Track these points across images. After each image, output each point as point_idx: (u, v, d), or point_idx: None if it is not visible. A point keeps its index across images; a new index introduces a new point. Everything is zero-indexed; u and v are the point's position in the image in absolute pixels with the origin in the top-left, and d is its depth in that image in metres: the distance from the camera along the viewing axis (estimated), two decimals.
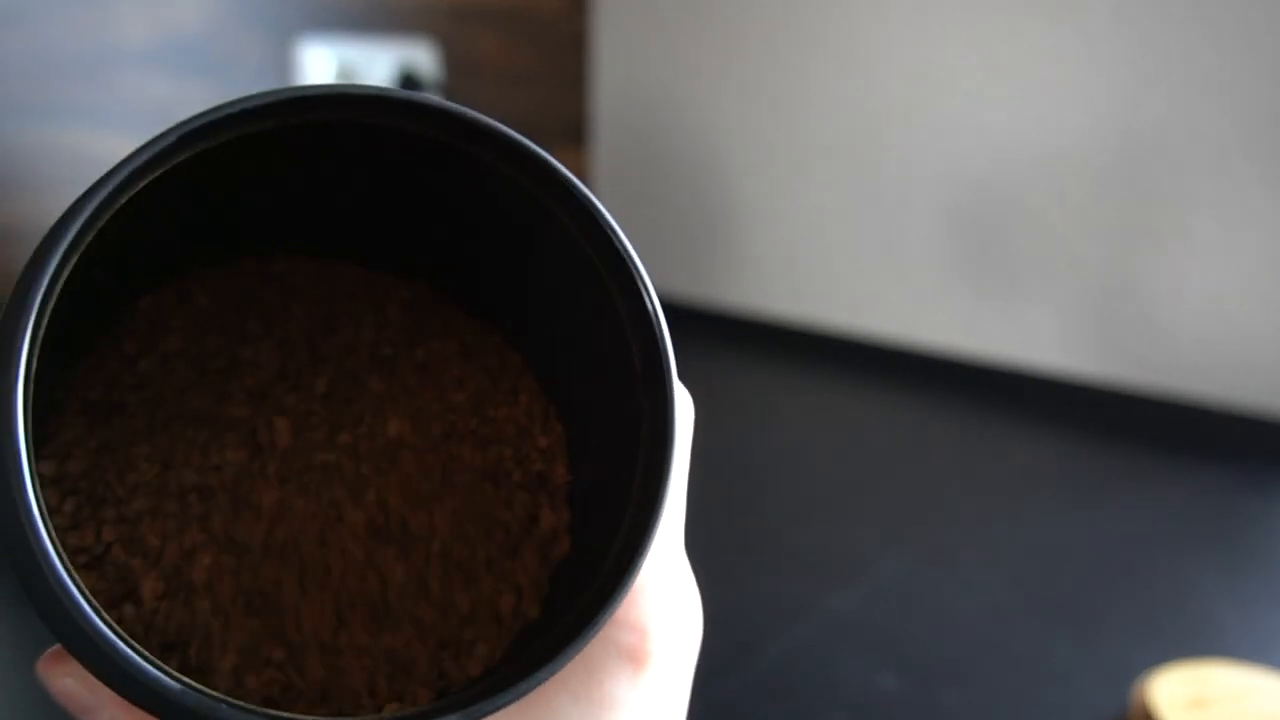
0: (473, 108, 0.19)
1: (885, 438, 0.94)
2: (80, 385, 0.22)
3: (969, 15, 1.04)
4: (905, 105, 1.10)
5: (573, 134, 1.35)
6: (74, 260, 0.16)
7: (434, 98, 0.18)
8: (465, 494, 0.22)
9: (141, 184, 0.16)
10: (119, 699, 0.18)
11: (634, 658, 0.20)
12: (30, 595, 0.15)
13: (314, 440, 0.22)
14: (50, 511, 0.19)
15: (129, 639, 0.15)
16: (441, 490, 0.22)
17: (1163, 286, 0.97)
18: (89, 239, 0.16)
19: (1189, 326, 0.97)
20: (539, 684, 0.17)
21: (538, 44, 1.26)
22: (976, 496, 0.80)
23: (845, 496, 0.80)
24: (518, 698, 0.17)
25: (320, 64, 1.04)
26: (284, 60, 1.01)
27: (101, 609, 0.15)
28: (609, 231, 0.19)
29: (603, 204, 0.20)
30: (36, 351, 0.15)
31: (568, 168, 0.19)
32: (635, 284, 0.19)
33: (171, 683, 0.15)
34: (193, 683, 0.15)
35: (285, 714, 0.16)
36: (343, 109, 0.18)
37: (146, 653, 0.15)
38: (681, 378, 0.21)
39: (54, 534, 0.15)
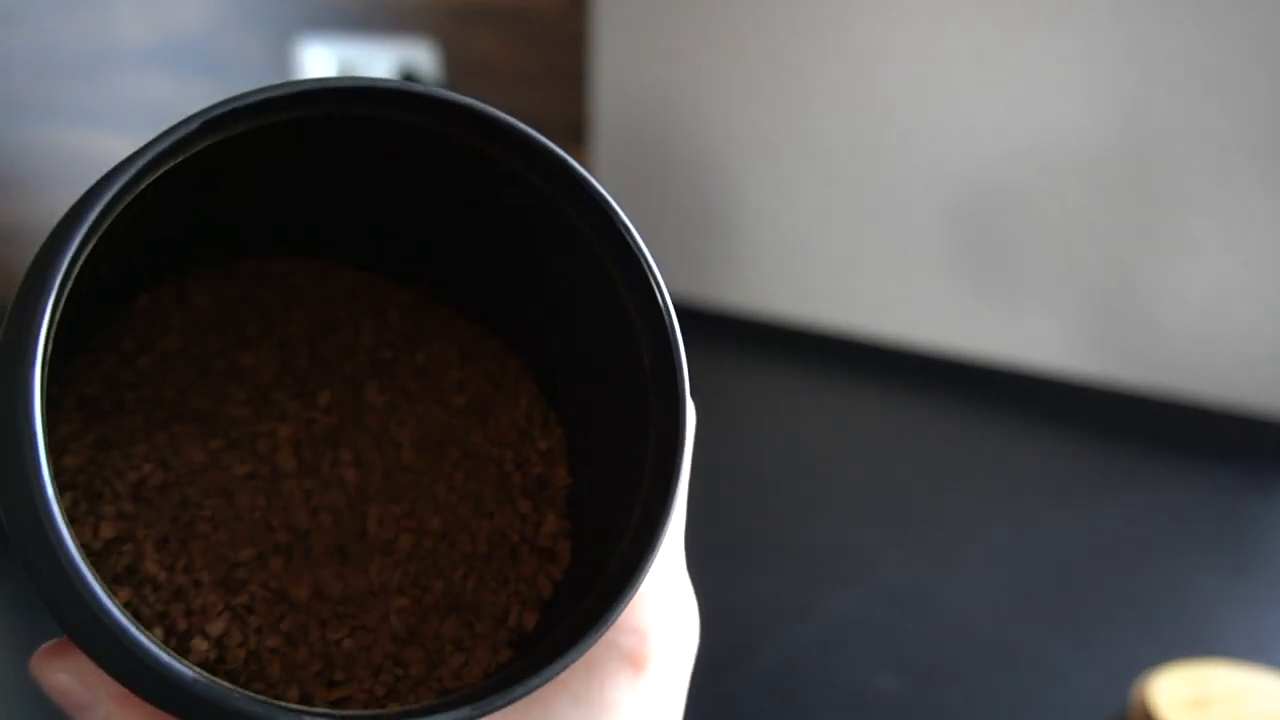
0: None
1: (885, 438, 0.94)
2: (77, 381, 0.21)
3: (969, 16, 1.04)
4: (905, 105, 1.10)
5: (573, 134, 1.35)
6: (91, 245, 0.16)
7: (452, 93, 0.18)
8: (465, 498, 0.22)
9: (162, 170, 0.16)
10: (115, 694, 0.18)
11: (634, 661, 0.20)
12: (42, 585, 0.15)
13: (315, 450, 0.22)
14: None
15: (143, 629, 0.15)
16: (441, 494, 0.22)
17: (1163, 286, 0.97)
18: (107, 224, 0.16)
19: (1189, 326, 0.97)
20: (551, 678, 0.17)
21: (538, 44, 1.26)
22: (976, 496, 0.80)
23: (845, 496, 0.80)
24: (529, 692, 0.17)
25: (320, 64, 1.04)
26: (284, 60, 1.01)
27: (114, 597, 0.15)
28: (622, 229, 0.19)
29: (616, 200, 0.20)
30: (51, 340, 0.15)
31: None
32: (648, 282, 0.19)
33: (186, 671, 0.15)
34: (204, 673, 0.15)
35: (294, 706, 0.16)
36: (362, 102, 0.18)
37: (159, 642, 0.15)
38: None
39: (68, 523, 0.15)
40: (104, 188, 0.15)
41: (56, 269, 0.15)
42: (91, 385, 0.21)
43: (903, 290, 1.14)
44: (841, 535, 0.72)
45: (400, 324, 0.24)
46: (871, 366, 1.14)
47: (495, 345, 0.24)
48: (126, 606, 0.19)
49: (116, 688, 0.18)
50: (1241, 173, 0.92)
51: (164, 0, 0.91)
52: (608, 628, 0.17)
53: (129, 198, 0.16)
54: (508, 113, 0.19)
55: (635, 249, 0.19)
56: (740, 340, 1.23)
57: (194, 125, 0.16)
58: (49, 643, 0.19)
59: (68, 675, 0.18)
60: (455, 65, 1.15)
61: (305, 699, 0.19)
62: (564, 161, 0.19)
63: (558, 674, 0.17)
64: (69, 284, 0.15)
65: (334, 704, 0.19)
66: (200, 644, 0.19)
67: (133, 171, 0.16)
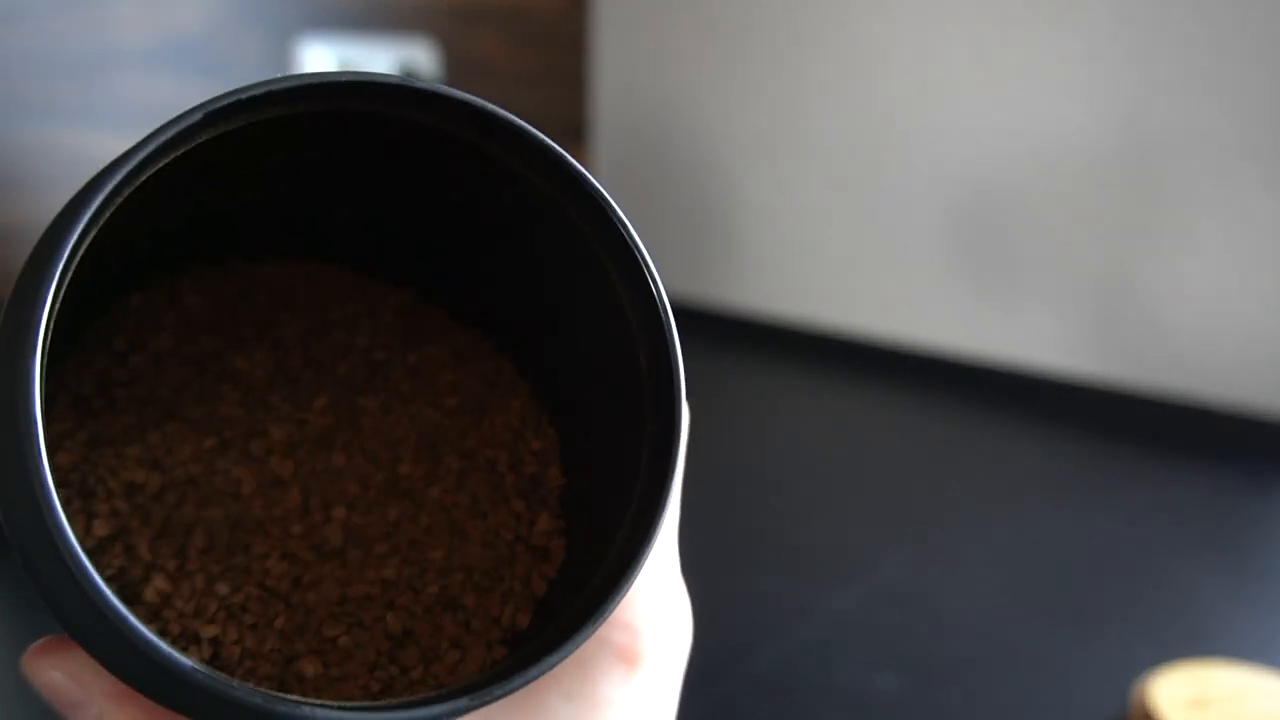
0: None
1: (885, 438, 0.94)
2: (70, 378, 0.21)
3: (969, 16, 1.04)
4: (905, 105, 1.10)
5: (573, 134, 1.35)
6: (92, 235, 0.15)
7: (454, 89, 0.18)
8: (459, 498, 0.22)
9: (163, 162, 0.16)
10: (109, 691, 0.18)
11: (627, 657, 0.20)
12: (40, 578, 0.15)
13: (309, 451, 0.22)
14: None
15: (141, 622, 0.15)
16: (436, 494, 0.22)
17: (1163, 286, 0.97)
18: (109, 214, 0.16)
19: (1189, 326, 0.97)
20: (547, 670, 0.17)
21: (538, 44, 1.26)
22: (976, 496, 0.80)
23: (845, 496, 0.80)
24: (526, 683, 0.17)
25: (320, 64, 1.04)
26: (284, 60, 1.01)
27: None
28: (620, 227, 0.19)
29: (613, 197, 0.20)
30: (50, 330, 0.15)
31: None
32: (645, 281, 0.19)
33: (186, 662, 0.14)
34: (204, 664, 0.15)
35: (293, 697, 0.15)
36: (363, 96, 0.18)
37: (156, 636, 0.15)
38: None
39: (67, 518, 0.14)
40: (106, 178, 0.15)
41: (58, 258, 0.15)
42: (84, 383, 0.21)
43: (903, 290, 1.14)
44: (841, 535, 0.72)
45: (394, 325, 0.24)
46: (871, 366, 1.14)
47: (488, 347, 0.24)
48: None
49: (111, 685, 0.17)
50: (1242, 173, 0.91)
51: (164, 0, 0.91)
52: (603, 620, 0.17)
53: (130, 188, 0.16)
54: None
55: (633, 247, 0.19)
56: (740, 340, 1.23)
57: (197, 116, 0.16)
58: (40, 640, 0.18)
59: (60, 673, 0.18)
60: (455, 65, 1.15)
61: (301, 695, 0.19)
62: (563, 158, 0.19)
63: (554, 666, 0.17)
64: (69, 274, 0.15)
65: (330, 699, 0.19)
66: (195, 642, 0.19)
67: (135, 162, 0.15)
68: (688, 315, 1.30)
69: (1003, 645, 0.59)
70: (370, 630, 0.20)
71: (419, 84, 0.18)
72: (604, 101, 1.35)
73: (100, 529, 0.19)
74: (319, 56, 1.03)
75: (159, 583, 0.19)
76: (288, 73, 1.08)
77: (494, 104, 0.18)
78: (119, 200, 0.16)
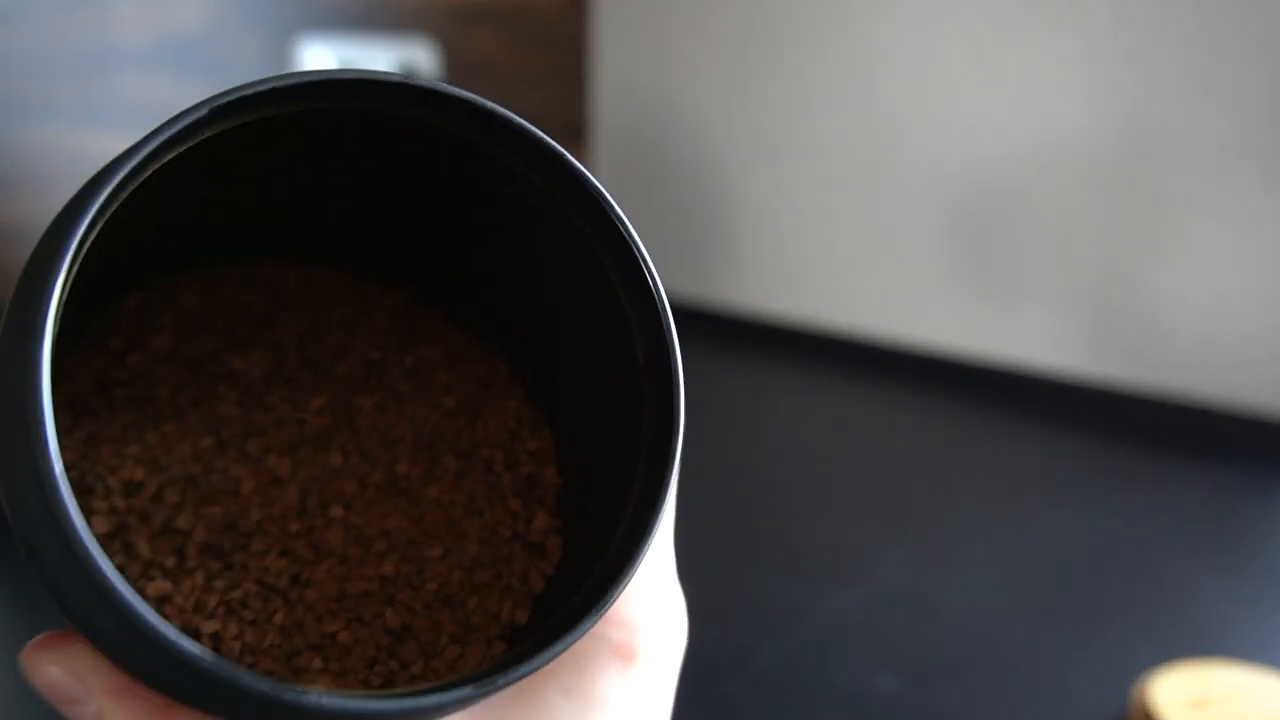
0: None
1: (885, 438, 0.94)
2: (68, 377, 0.21)
3: (969, 16, 1.04)
4: (905, 105, 1.10)
5: (573, 134, 1.35)
6: (99, 227, 0.15)
7: (455, 88, 0.18)
8: (456, 496, 0.22)
9: (169, 156, 0.16)
10: (109, 687, 0.17)
11: (624, 654, 0.20)
12: (46, 566, 0.14)
13: (307, 450, 0.22)
14: None
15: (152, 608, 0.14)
16: (433, 493, 0.22)
17: (1163, 287, 0.97)
18: (115, 207, 0.16)
19: (1189, 326, 0.97)
20: (552, 659, 0.17)
21: (538, 44, 1.26)
22: (976, 496, 0.80)
23: (845, 496, 0.80)
24: (530, 672, 0.17)
25: (320, 64, 1.04)
26: (284, 60, 1.01)
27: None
28: (619, 224, 0.19)
29: (613, 196, 0.20)
30: (60, 318, 0.15)
31: None
32: (644, 280, 0.19)
33: (194, 649, 0.14)
34: (210, 652, 0.15)
35: (299, 686, 0.15)
36: (367, 94, 0.18)
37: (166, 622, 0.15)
38: None
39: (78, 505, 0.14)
40: (113, 170, 0.15)
41: (67, 246, 0.15)
42: (82, 383, 0.21)
43: (903, 290, 1.14)
44: (841, 535, 0.72)
45: (388, 327, 0.24)
46: (871, 366, 1.14)
47: (481, 350, 0.24)
48: None
49: (111, 680, 0.17)
50: (1242, 173, 0.91)
51: (164, 0, 0.91)
52: (606, 611, 0.17)
53: (136, 182, 0.16)
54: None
55: (633, 247, 0.19)
56: (740, 340, 1.23)
57: (202, 111, 0.16)
58: (39, 636, 0.18)
59: (59, 668, 0.17)
60: (455, 65, 1.15)
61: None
62: (562, 157, 0.19)
63: (557, 656, 0.17)
64: (76, 265, 0.15)
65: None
66: (195, 638, 0.19)
67: (141, 155, 0.15)
68: (688, 315, 1.30)
69: (1003, 645, 0.59)
70: (369, 626, 0.20)
71: (421, 82, 0.18)
72: (604, 101, 1.35)
73: (99, 526, 0.19)
74: (319, 56, 1.03)
75: (158, 580, 0.19)
76: (289, 71, 1.08)
77: (495, 102, 0.19)
78: (125, 193, 0.16)
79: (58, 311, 0.15)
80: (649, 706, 0.20)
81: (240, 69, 0.97)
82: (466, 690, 0.16)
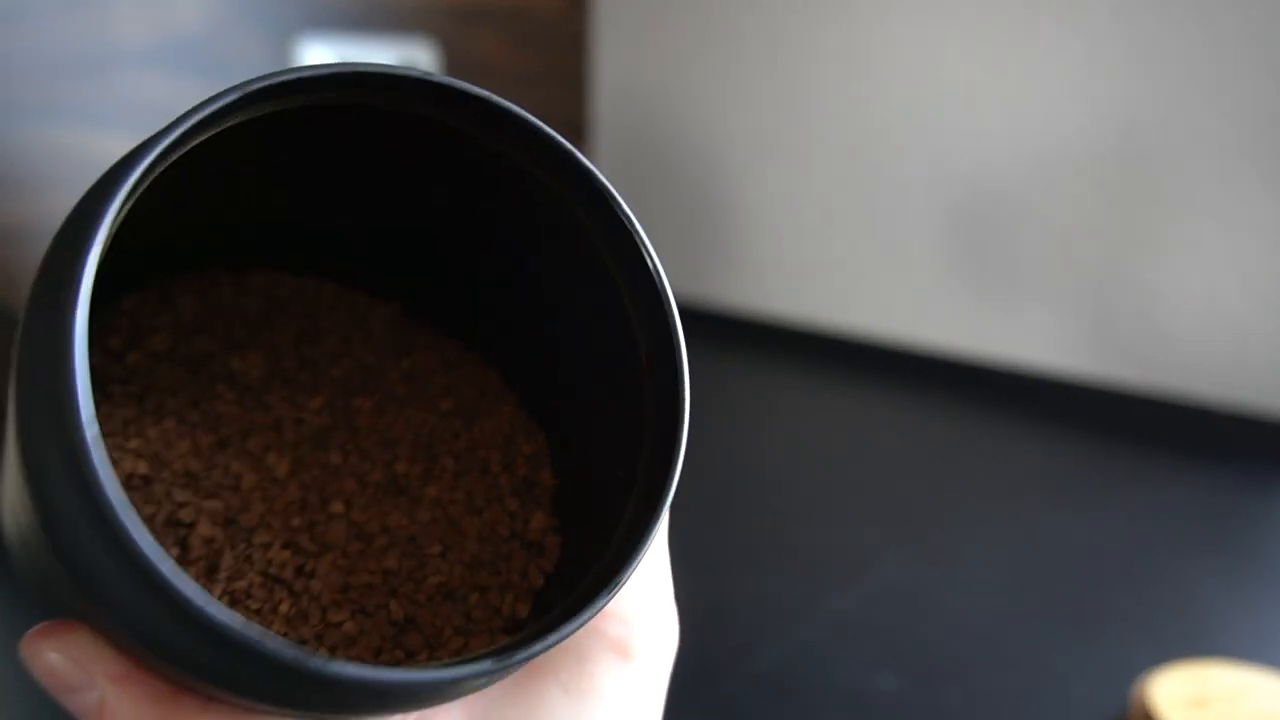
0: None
1: (885, 438, 0.94)
2: None
3: (969, 16, 1.04)
4: (906, 105, 1.10)
5: (573, 134, 1.35)
6: (130, 204, 0.15)
7: (467, 84, 0.18)
8: (455, 495, 0.22)
9: (192, 144, 0.16)
10: (112, 673, 0.17)
11: (621, 649, 0.20)
12: (67, 535, 0.14)
13: (306, 449, 0.22)
14: None
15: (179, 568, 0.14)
16: (432, 492, 0.22)
17: (1162, 286, 0.97)
18: (144, 187, 0.15)
19: (1188, 326, 0.97)
20: (568, 635, 0.17)
21: (538, 44, 1.26)
22: (976, 496, 0.80)
23: (845, 496, 0.80)
24: (548, 648, 0.17)
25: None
26: (284, 60, 1.01)
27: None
28: (626, 222, 0.19)
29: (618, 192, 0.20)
30: (93, 285, 0.15)
31: None
32: (651, 280, 0.19)
33: (224, 613, 0.14)
34: (239, 616, 0.14)
35: (319, 654, 0.15)
36: (386, 88, 0.18)
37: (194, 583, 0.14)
38: None
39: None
40: (148, 147, 0.15)
41: (100, 220, 0.15)
42: None
43: (903, 290, 1.14)
44: (841, 535, 0.72)
45: (383, 333, 0.25)
46: (871, 366, 1.14)
47: (475, 357, 0.25)
48: None
49: (114, 666, 0.17)
50: (1241, 173, 0.92)
51: (164, 0, 0.91)
52: (617, 591, 0.17)
53: (166, 164, 0.16)
54: None
55: (641, 247, 0.19)
56: (740, 340, 1.23)
57: (234, 95, 0.16)
58: (40, 624, 0.18)
59: (60, 655, 0.17)
60: (455, 65, 1.15)
61: None
62: (572, 155, 0.19)
63: (573, 633, 0.17)
64: (110, 236, 0.15)
65: None
66: None
67: (175, 135, 0.15)
68: (688, 315, 1.30)
69: (1003, 645, 0.59)
70: (374, 617, 0.20)
71: (438, 78, 0.18)
72: (604, 101, 1.35)
73: None
74: (319, 57, 1.03)
75: None
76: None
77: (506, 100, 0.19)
78: (156, 173, 0.16)
79: (93, 278, 0.14)
80: (644, 701, 0.21)
81: (240, 69, 0.97)
82: (486, 663, 0.16)
